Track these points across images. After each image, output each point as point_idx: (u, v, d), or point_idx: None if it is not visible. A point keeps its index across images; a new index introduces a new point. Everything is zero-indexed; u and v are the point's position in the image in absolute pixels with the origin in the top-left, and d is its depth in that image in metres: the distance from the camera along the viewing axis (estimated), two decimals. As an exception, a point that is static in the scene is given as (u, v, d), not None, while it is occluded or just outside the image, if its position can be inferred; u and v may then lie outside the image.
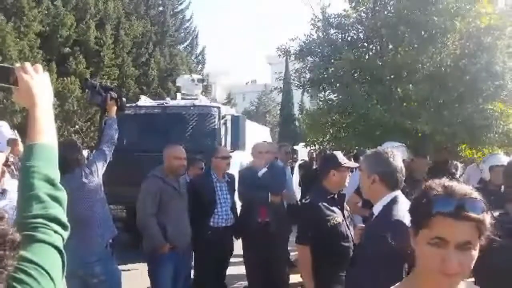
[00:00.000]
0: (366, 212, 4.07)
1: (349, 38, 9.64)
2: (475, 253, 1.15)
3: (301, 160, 11.24)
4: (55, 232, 1.14)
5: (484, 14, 7.79)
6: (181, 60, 22.43)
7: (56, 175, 1.28)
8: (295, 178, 8.78)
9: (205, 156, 5.61)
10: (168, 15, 23.57)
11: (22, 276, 0.98)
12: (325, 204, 3.18)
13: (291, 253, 6.22)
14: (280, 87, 12.98)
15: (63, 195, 1.26)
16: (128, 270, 5.66)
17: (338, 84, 9.32)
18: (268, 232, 4.81)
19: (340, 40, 9.61)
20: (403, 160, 2.69)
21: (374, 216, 2.41)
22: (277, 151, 6.27)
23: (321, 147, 11.04)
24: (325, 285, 3.10)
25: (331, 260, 3.04)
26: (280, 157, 6.28)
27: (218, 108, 8.43)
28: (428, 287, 1.22)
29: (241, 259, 5.23)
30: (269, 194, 5.01)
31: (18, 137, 5.16)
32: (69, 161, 3.27)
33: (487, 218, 1.15)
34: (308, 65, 9.84)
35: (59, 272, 1.09)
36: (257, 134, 10.36)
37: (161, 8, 23.90)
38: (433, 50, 8.17)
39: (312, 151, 11.78)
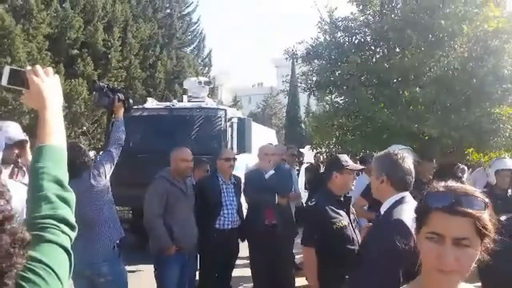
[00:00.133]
0: (372, 215, 4.07)
1: (356, 41, 9.61)
2: (474, 252, 1.15)
3: (307, 163, 11.23)
4: (63, 232, 1.15)
5: (492, 18, 7.75)
6: (188, 63, 22.48)
7: (65, 176, 1.30)
8: (301, 180, 8.77)
9: (211, 158, 5.62)
10: (175, 17, 23.63)
11: (30, 275, 0.99)
12: (331, 207, 3.18)
13: (296, 256, 6.22)
14: (287, 90, 12.96)
15: (71, 196, 1.27)
16: (134, 271, 5.68)
17: (344, 87, 9.30)
18: (275, 234, 4.81)
19: (347, 43, 9.59)
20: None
21: (380, 216, 2.42)
22: (284, 153, 6.28)
23: (327, 150, 11.02)
24: (330, 287, 3.10)
25: (336, 263, 3.03)
26: (286, 159, 6.29)
27: (225, 110, 8.45)
28: (430, 287, 1.22)
29: (247, 261, 5.24)
30: (276, 196, 5.01)
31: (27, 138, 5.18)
32: (77, 165, 3.29)
33: (486, 216, 1.15)
34: (315, 68, 9.82)
35: (66, 272, 1.10)
36: (263, 136, 10.38)
37: (168, 11, 23.96)
38: (440, 53, 8.13)
39: (318, 154, 11.77)
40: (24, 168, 3.40)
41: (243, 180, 5.32)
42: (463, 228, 1.13)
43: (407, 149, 5.39)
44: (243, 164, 7.40)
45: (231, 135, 8.12)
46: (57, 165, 1.29)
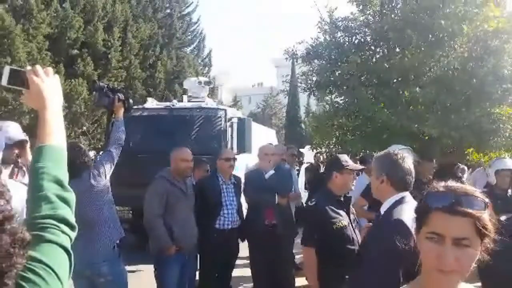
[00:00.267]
0: (372, 215, 4.08)
1: (356, 41, 9.61)
2: (474, 252, 1.14)
3: (307, 163, 11.23)
4: (63, 232, 1.15)
5: (492, 18, 7.75)
6: (188, 63, 22.48)
7: (64, 176, 1.30)
8: (301, 180, 8.77)
9: (211, 158, 5.63)
10: (175, 18, 23.63)
11: (30, 275, 0.99)
12: (331, 207, 3.18)
13: (296, 256, 6.22)
14: (287, 90, 12.96)
15: (71, 196, 1.27)
16: (134, 271, 5.68)
17: (344, 87, 9.30)
18: (275, 234, 4.81)
19: (347, 43, 9.59)
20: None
21: (380, 216, 2.42)
22: (284, 153, 6.28)
23: (327, 150, 11.02)
24: (330, 287, 3.10)
25: (336, 263, 3.04)
26: (286, 159, 6.29)
27: (225, 110, 8.45)
28: (430, 287, 1.22)
29: (247, 261, 5.24)
30: (276, 196, 5.01)
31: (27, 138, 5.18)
32: (77, 165, 3.29)
33: (486, 216, 1.15)
34: (315, 68, 9.82)
35: (66, 272, 1.10)
36: (263, 136, 10.38)
37: (168, 11, 23.96)
38: (440, 53, 8.13)
39: (318, 154, 11.77)
40: (24, 168, 3.40)
41: (243, 180, 5.32)
42: (463, 228, 1.13)
43: (407, 149, 5.39)
44: (243, 164, 7.40)
45: (231, 135, 8.12)
46: (57, 165, 1.29)
